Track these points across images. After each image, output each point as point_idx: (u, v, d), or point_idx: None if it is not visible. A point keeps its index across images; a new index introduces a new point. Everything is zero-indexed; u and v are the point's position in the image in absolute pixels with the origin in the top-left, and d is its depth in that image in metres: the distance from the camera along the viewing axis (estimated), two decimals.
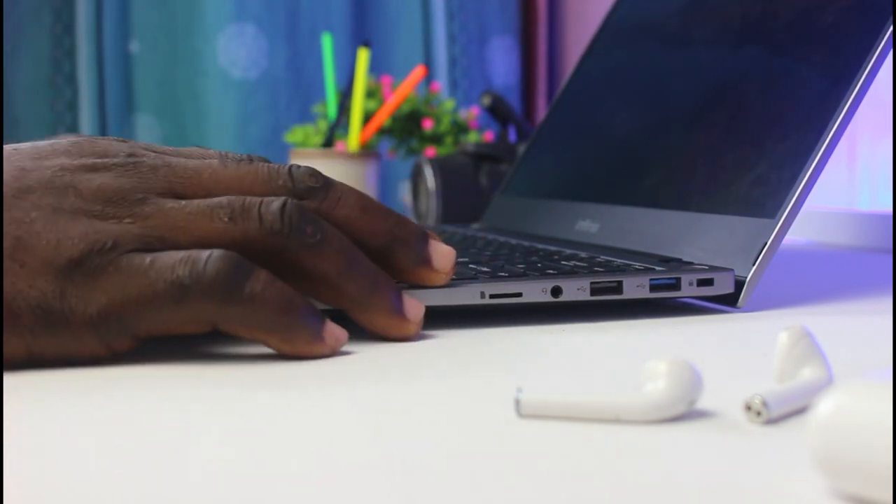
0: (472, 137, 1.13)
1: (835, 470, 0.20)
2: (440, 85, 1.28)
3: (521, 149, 0.95)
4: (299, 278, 0.36)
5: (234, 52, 1.30)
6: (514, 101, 1.42)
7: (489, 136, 1.15)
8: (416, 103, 1.14)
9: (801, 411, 0.27)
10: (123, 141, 0.39)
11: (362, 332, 0.40)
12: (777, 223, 0.45)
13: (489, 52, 1.44)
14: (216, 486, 0.22)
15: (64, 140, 0.38)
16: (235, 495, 0.21)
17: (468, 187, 0.95)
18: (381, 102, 1.12)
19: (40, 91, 1.23)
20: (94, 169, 0.36)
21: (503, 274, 0.44)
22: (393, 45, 1.39)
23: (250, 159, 0.39)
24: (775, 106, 0.50)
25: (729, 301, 0.45)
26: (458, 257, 0.50)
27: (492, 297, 0.42)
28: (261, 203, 0.36)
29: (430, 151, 1.12)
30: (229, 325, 0.35)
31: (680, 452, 0.24)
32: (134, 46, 1.29)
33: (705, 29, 0.62)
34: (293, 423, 0.27)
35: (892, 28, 0.46)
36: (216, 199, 0.36)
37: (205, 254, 0.34)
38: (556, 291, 0.42)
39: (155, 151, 0.39)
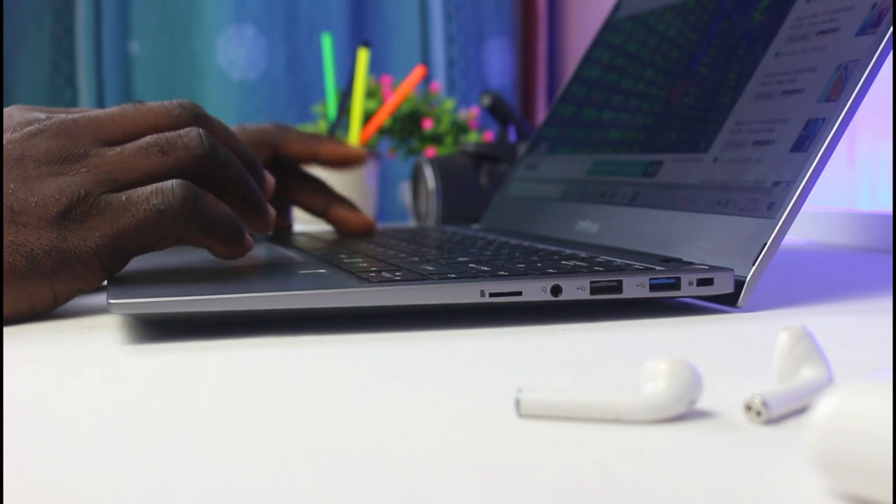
0: (472, 137, 1.13)
1: (835, 470, 0.20)
2: (438, 85, 1.28)
3: (521, 149, 0.95)
4: (211, 188, 0.46)
5: (234, 52, 1.30)
6: (510, 101, 1.43)
7: (489, 136, 1.15)
8: (415, 103, 1.14)
9: (801, 411, 0.27)
10: (29, 108, 0.46)
11: (363, 332, 0.40)
12: (777, 223, 0.45)
13: (486, 53, 1.44)
14: (215, 485, 0.22)
15: None
16: (235, 495, 0.21)
17: (468, 187, 0.95)
18: (381, 102, 1.12)
19: (40, 92, 1.23)
20: (33, 135, 0.44)
21: (503, 273, 0.44)
22: (390, 46, 1.39)
23: (138, 102, 0.48)
24: (775, 106, 0.50)
25: (729, 301, 0.45)
26: (457, 257, 0.50)
27: (492, 295, 0.42)
28: (180, 136, 0.45)
29: (430, 151, 1.12)
30: (192, 237, 0.45)
31: (680, 452, 0.24)
32: (133, 47, 1.29)
33: (706, 29, 0.62)
34: (292, 422, 0.27)
35: (892, 28, 0.46)
36: (143, 140, 0.45)
37: (168, 185, 0.43)
38: (556, 290, 0.42)
39: (56, 112, 0.46)
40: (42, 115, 0.45)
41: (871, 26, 0.47)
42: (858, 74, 0.46)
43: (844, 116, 0.45)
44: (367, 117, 1.09)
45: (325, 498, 0.21)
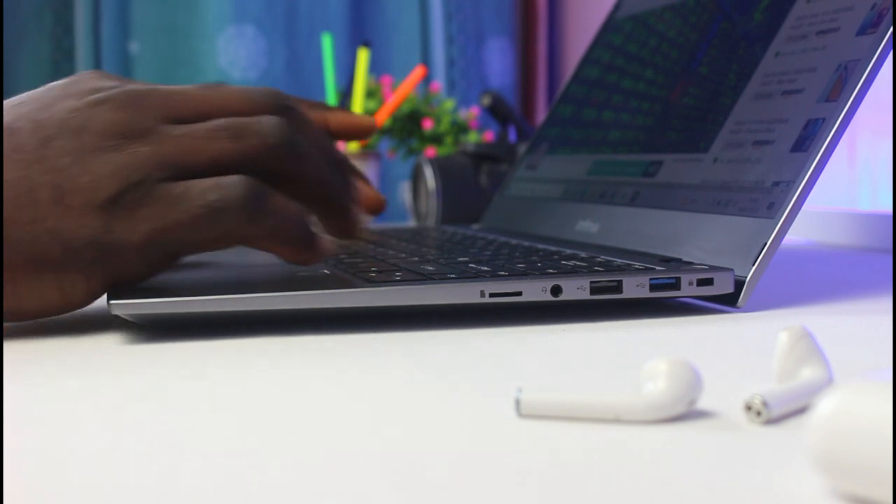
0: (472, 137, 1.13)
1: (834, 470, 0.20)
2: (438, 85, 1.29)
3: (521, 149, 0.95)
4: (286, 184, 0.42)
5: (234, 52, 1.30)
6: (510, 101, 1.43)
7: (489, 136, 1.15)
8: (415, 103, 1.14)
9: (801, 411, 0.27)
10: (103, 76, 0.42)
11: (363, 332, 0.40)
12: (777, 223, 0.45)
13: (486, 53, 1.44)
14: (213, 484, 0.22)
15: (57, 85, 0.41)
16: (233, 494, 0.21)
17: (468, 187, 0.95)
18: (381, 102, 1.12)
19: None
20: (97, 104, 0.39)
21: (503, 273, 0.44)
22: (390, 46, 1.40)
23: (219, 84, 0.44)
24: (775, 106, 0.50)
25: (729, 301, 0.45)
26: (458, 257, 0.50)
27: (492, 295, 0.42)
28: (255, 122, 0.41)
29: (430, 151, 1.12)
30: (252, 240, 0.41)
31: (680, 452, 0.24)
32: (133, 47, 1.29)
33: (706, 29, 0.62)
34: (292, 421, 0.27)
35: (892, 28, 0.46)
36: (214, 122, 0.40)
37: (229, 180, 0.39)
38: (556, 290, 0.42)
39: (129, 82, 0.42)
40: (112, 84, 0.41)
41: (871, 26, 0.47)
42: (858, 74, 0.46)
43: (844, 116, 0.45)
44: None
45: (326, 498, 0.21)
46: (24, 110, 0.40)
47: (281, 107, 0.43)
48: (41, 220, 0.38)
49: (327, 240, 0.43)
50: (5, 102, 0.41)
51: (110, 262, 0.39)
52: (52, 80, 0.45)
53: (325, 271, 0.47)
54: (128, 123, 0.39)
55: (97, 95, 0.40)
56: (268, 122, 0.41)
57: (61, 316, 0.44)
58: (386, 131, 1.14)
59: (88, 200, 0.38)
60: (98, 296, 0.41)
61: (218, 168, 0.40)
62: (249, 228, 0.40)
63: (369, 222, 0.48)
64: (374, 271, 0.45)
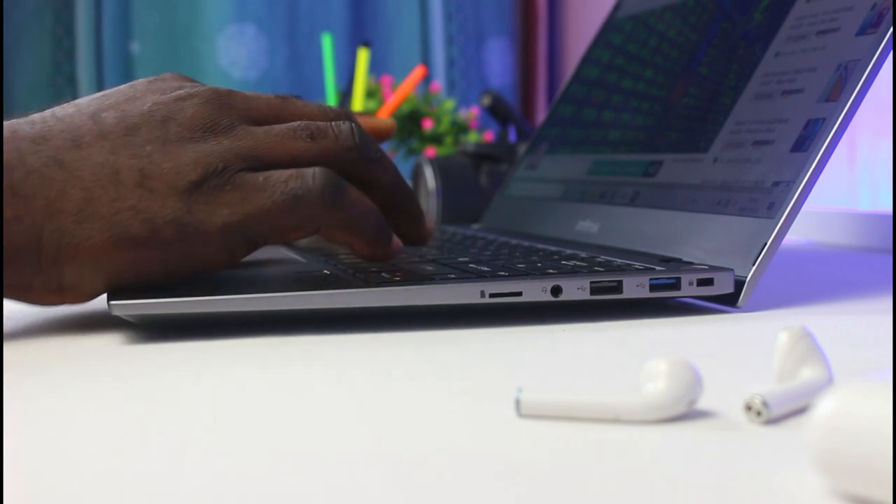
0: (472, 137, 1.13)
1: (835, 470, 0.20)
2: (438, 85, 1.29)
3: (521, 149, 0.95)
4: (361, 188, 0.43)
5: (235, 52, 1.31)
6: (510, 101, 1.43)
7: (489, 136, 1.15)
8: (416, 103, 1.14)
9: (801, 411, 0.27)
10: (185, 78, 0.44)
11: (363, 332, 0.40)
12: (777, 223, 0.45)
13: (486, 53, 1.44)
14: (213, 483, 0.22)
15: (140, 81, 0.43)
16: (234, 496, 0.21)
17: (468, 187, 0.95)
18: (381, 102, 1.12)
19: (41, 91, 1.23)
20: (182, 99, 0.41)
21: (503, 273, 0.44)
22: (391, 45, 1.40)
23: (295, 96, 0.46)
24: (775, 106, 0.50)
25: (729, 301, 0.45)
26: (458, 257, 0.50)
27: (492, 296, 0.42)
28: (332, 125, 0.43)
29: (430, 151, 1.12)
30: (330, 229, 0.42)
31: (680, 452, 0.24)
32: (134, 47, 1.29)
33: (706, 29, 0.62)
34: (292, 421, 0.27)
35: (892, 28, 0.46)
36: (294, 123, 0.43)
37: (310, 170, 0.41)
38: (556, 291, 0.42)
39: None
40: (192, 83, 0.44)
41: (871, 26, 0.47)
42: (858, 74, 0.46)
43: (844, 116, 0.45)
44: None
45: (326, 497, 0.21)
46: (109, 102, 0.41)
47: (352, 120, 0.45)
48: (123, 199, 0.39)
49: (397, 239, 0.45)
50: (91, 95, 0.42)
51: (189, 244, 0.40)
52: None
53: (326, 272, 0.47)
54: (212, 118, 0.41)
55: (182, 91, 0.42)
56: (343, 126, 0.43)
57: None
58: None
59: (171, 184, 0.39)
60: (175, 278, 0.41)
61: (295, 165, 0.42)
62: (328, 217, 0.41)
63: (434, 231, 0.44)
64: (374, 271, 0.45)
